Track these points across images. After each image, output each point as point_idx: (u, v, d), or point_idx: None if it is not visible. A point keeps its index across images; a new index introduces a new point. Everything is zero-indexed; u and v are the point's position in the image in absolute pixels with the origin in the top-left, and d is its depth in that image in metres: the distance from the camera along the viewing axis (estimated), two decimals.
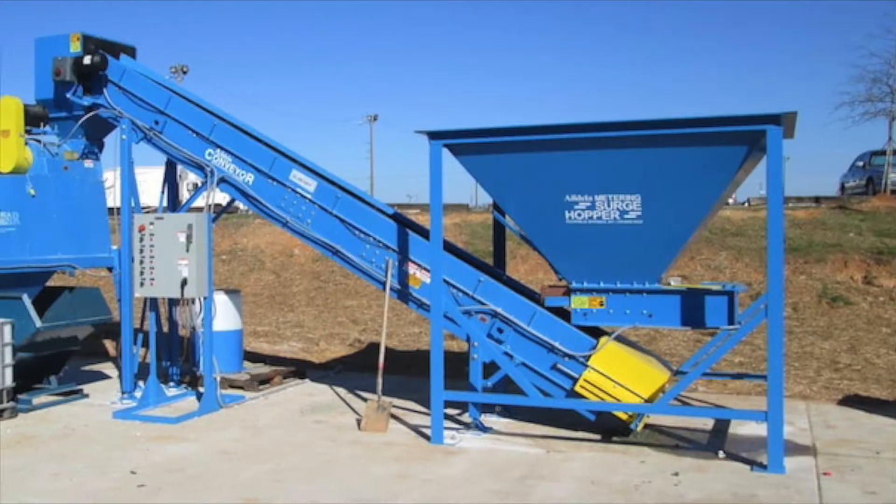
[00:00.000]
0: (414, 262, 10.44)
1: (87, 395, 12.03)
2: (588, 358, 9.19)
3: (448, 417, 9.93)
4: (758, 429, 9.14)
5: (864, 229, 20.89)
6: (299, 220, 11.03)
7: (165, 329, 13.02)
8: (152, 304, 11.81)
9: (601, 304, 9.15)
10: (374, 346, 15.11)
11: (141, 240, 11.08)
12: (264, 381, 12.51)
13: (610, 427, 9.39)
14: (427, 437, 9.40)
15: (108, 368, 14.43)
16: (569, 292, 9.34)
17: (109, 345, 16.26)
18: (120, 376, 12.34)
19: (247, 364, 13.32)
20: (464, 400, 9.82)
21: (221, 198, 12.49)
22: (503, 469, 8.28)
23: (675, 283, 9.27)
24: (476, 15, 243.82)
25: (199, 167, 11.58)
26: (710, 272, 18.93)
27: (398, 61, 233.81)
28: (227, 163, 11.34)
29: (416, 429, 9.89)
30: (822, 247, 19.50)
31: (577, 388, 9.14)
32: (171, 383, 12.73)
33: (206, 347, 11.17)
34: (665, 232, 8.70)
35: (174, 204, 13.10)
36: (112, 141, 12.51)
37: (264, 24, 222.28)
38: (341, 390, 12.32)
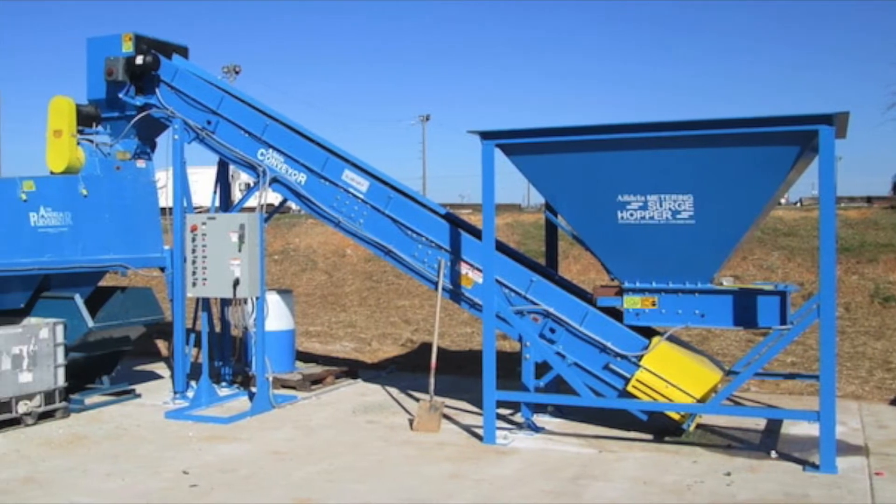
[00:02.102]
0: (466, 262, 10.97)
1: (139, 395, 12.63)
2: (640, 358, 9.71)
3: (500, 417, 10.40)
4: (810, 429, 9.62)
5: None
6: (352, 219, 11.58)
7: (218, 329, 13.58)
8: (205, 304, 12.45)
9: (653, 304, 9.66)
10: (426, 346, 15.63)
11: (193, 240, 11.62)
12: (317, 381, 13.07)
13: (662, 427, 9.88)
14: (479, 437, 9.89)
15: (160, 368, 15.06)
16: (621, 292, 9.85)
17: (162, 345, 16.95)
18: (172, 376, 12.92)
19: (299, 364, 13.86)
20: (516, 400, 10.31)
21: (274, 198, 13.03)
22: (555, 469, 8.71)
23: (727, 283, 9.76)
24: (529, 14, 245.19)
25: (251, 167, 12.17)
26: (762, 272, 19.35)
27: (451, 61, 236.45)
28: (280, 163, 11.92)
29: (468, 429, 10.39)
30: (875, 247, 19.85)
31: (630, 388, 9.68)
32: (224, 383, 13.35)
33: (259, 347, 11.70)
34: (717, 232, 9.19)
35: (226, 204, 13.73)
36: (164, 141, 13.10)
37: (317, 24, 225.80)
38: (393, 390, 12.87)
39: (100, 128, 12.85)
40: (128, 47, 12.40)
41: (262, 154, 12.03)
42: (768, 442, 9.69)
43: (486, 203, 9.85)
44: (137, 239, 12.71)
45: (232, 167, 13.30)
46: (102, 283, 12.80)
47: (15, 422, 10.70)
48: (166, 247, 12.90)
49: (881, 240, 20.33)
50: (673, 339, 9.92)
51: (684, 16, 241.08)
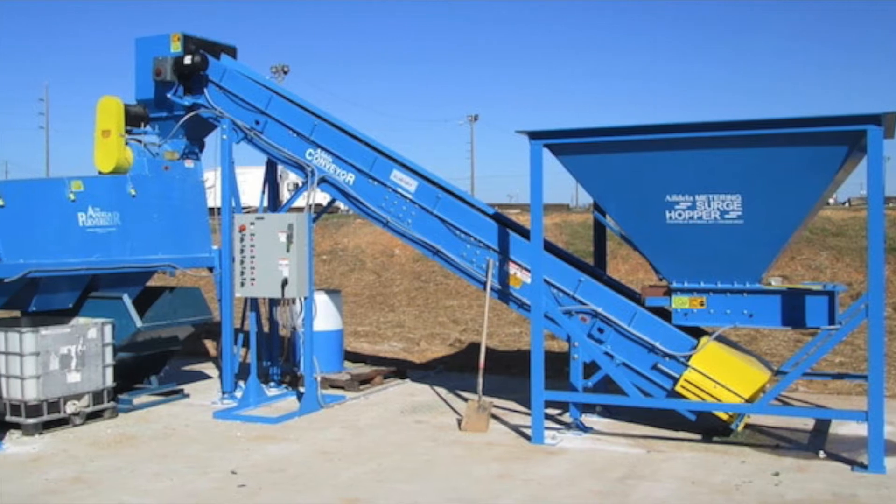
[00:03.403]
0: (514, 262, 11.36)
1: (187, 395, 13.04)
2: (689, 358, 10.08)
3: (549, 417, 10.77)
4: (858, 429, 9.89)
5: None
6: (400, 219, 12.01)
7: (266, 329, 14.02)
8: (253, 304, 12.86)
9: (702, 304, 10.03)
10: (474, 346, 15.93)
11: (242, 240, 12.01)
12: (365, 381, 13.50)
13: (710, 427, 10.21)
14: (528, 437, 10.24)
15: (208, 368, 15.54)
16: (669, 292, 10.24)
17: (210, 345, 17.46)
18: (220, 376, 13.33)
19: (347, 364, 14.33)
20: (564, 400, 10.73)
21: (322, 198, 13.52)
22: (604, 469, 9.02)
23: (775, 283, 10.13)
24: (577, 15, 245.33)
25: (299, 167, 12.59)
26: (810, 272, 19.61)
27: (499, 61, 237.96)
28: (328, 163, 12.36)
29: (516, 429, 10.75)
30: None
31: (678, 388, 10.06)
32: (272, 383, 13.77)
33: (307, 347, 12.07)
34: (765, 232, 9.55)
35: (275, 204, 14.18)
36: (213, 141, 13.55)
37: (366, 24, 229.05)
38: (442, 390, 13.28)
39: (148, 128, 13.18)
40: (176, 47, 12.77)
41: (310, 154, 12.44)
42: (816, 442, 9.98)
43: (535, 203, 10.18)
44: (185, 239, 13.07)
45: (280, 167, 13.70)
46: (151, 283, 13.15)
47: (63, 422, 11.02)
48: (214, 247, 13.24)
49: None
50: (721, 338, 10.28)
51: (732, 15, 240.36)
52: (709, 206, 9.64)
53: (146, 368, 12.98)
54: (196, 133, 13.52)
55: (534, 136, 10.17)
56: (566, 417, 11.00)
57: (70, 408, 11.07)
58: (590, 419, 11.08)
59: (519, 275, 11.32)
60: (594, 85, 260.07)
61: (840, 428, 10.55)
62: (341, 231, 28.64)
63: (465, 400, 12.04)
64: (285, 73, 65.49)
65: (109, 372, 11.61)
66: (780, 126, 9.20)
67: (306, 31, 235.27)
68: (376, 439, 10.46)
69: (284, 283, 11.74)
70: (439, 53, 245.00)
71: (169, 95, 12.90)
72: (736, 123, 9.38)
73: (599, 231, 12.35)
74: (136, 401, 12.30)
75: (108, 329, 11.63)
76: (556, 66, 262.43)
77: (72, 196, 11.67)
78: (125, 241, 12.30)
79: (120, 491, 8.48)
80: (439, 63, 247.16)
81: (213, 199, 13.44)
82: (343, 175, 12.29)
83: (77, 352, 11.18)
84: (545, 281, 10.68)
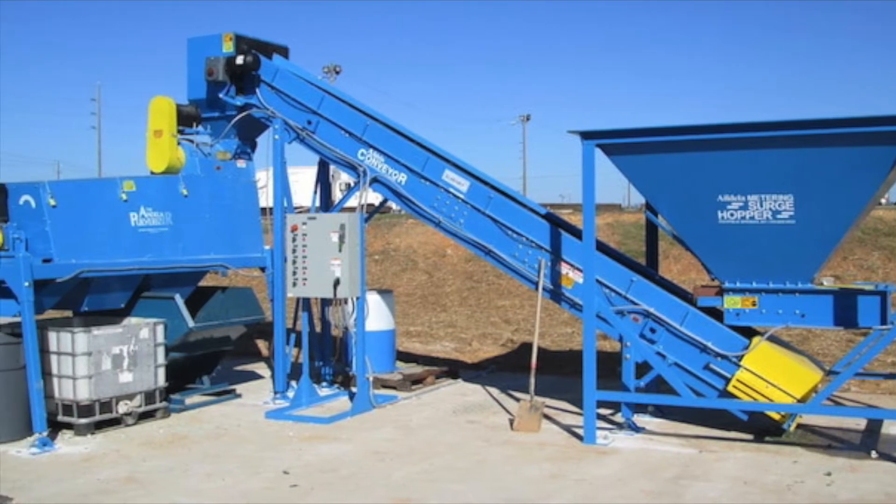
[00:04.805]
0: (566, 262, 11.73)
1: (239, 395, 13.46)
2: (741, 358, 10.42)
3: (601, 417, 11.16)
4: None
5: None
6: (452, 219, 12.41)
7: (318, 329, 14.39)
8: (305, 304, 13.24)
9: (754, 304, 10.39)
10: (526, 346, 16.39)
11: (294, 240, 12.42)
12: (417, 381, 13.93)
13: (762, 427, 10.56)
14: (580, 437, 10.58)
15: (260, 368, 15.98)
16: (721, 292, 10.60)
17: (262, 345, 17.90)
18: (272, 376, 13.74)
19: (399, 364, 14.74)
20: (616, 400, 11.09)
21: (374, 197, 13.88)
22: (656, 469, 9.34)
23: (827, 282, 10.47)
24: (629, 14, 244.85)
25: (351, 167, 13.03)
26: (862, 272, 19.77)
27: (551, 61, 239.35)
28: (380, 163, 12.79)
29: (568, 429, 11.11)
30: None
31: (730, 388, 10.40)
32: (324, 383, 14.21)
33: (359, 347, 12.49)
34: (817, 232, 9.88)
35: (327, 204, 14.59)
36: (265, 141, 13.99)
37: (418, 24, 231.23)
38: (494, 390, 13.65)
39: (200, 128, 13.59)
40: (228, 47, 13.15)
41: (362, 154, 12.86)
42: (869, 442, 10.24)
43: (587, 203, 10.53)
44: (238, 239, 13.44)
45: (332, 167, 14.12)
46: (203, 283, 13.52)
47: (115, 422, 11.38)
48: (267, 247, 13.62)
49: None
50: (773, 339, 10.63)
51: (783, 15, 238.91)
52: (761, 206, 9.95)
53: (198, 368, 13.35)
54: (248, 133, 13.91)
55: (586, 136, 10.49)
56: (618, 417, 11.31)
57: (122, 408, 11.43)
58: (642, 419, 11.40)
59: (571, 275, 11.66)
60: (646, 85, 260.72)
61: (892, 428, 10.83)
62: (393, 231, 29.04)
63: (517, 400, 12.38)
64: (337, 72, 65.98)
65: (161, 372, 11.97)
66: (832, 126, 9.48)
67: (358, 31, 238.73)
68: (428, 439, 10.81)
69: (337, 283, 12.09)
70: (492, 53, 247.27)
71: (221, 95, 13.26)
72: (788, 123, 9.67)
73: (651, 231, 12.67)
74: (189, 401, 12.68)
75: (160, 329, 11.97)
76: (608, 66, 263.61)
77: (124, 196, 12.01)
78: (177, 241, 12.63)
79: (172, 491, 8.79)
80: (492, 63, 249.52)
81: (265, 199, 13.85)
82: (395, 175, 12.68)
83: (129, 352, 11.52)
84: (597, 281, 11.00)
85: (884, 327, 9.86)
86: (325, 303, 13.83)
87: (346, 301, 12.58)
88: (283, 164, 13.37)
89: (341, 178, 30.66)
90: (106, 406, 11.30)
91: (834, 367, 11.41)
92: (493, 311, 21.47)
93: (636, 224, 26.38)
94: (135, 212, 12.17)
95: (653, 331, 11.01)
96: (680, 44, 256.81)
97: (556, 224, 12.02)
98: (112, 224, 11.93)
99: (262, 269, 13.70)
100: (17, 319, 10.71)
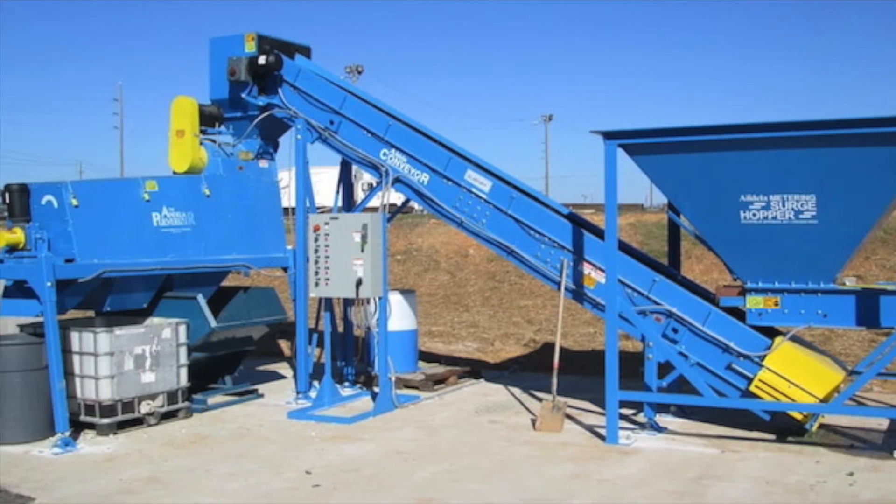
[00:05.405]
0: (589, 262, 11.88)
1: (261, 395, 13.62)
2: (763, 358, 10.56)
3: (623, 417, 11.30)
4: None
5: None
6: (474, 219, 12.56)
7: (340, 329, 14.57)
8: (327, 304, 13.42)
9: (776, 304, 10.52)
10: (548, 346, 16.55)
11: (316, 240, 12.59)
12: (439, 381, 14.10)
13: (785, 427, 10.69)
14: (602, 437, 10.71)
15: (282, 368, 16.17)
16: (744, 292, 10.73)
17: (284, 345, 18.09)
18: (294, 376, 13.90)
19: (422, 364, 14.91)
20: (639, 400, 11.22)
21: (396, 198, 14.03)
22: (678, 469, 9.47)
23: (849, 282, 10.57)
24: (651, 14, 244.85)
25: (373, 167, 13.20)
26: (885, 272, 19.77)
27: (574, 61, 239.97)
28: (402, 163, 12.96)
29: (590, 429, 11.25)
30: None
31: (752, 388, 10.54)
32: (346, 383, 14.39)
33: (381, 347, 12.66)
34: (840, 232, 10.00)
35: (349, 204, 14.77)
36: (287, 141, 14.19)
37: (439, 24, 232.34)
38: (516, 390, 13.80)
39: (222, 128, 13.76)
40: (250, 47, 13.32)
41: (384, 154, 13.04)
42: (891, 442, 10.37)
43: (609, 203, 10.66)
44: (260, 239, 13.60)
45: (354, 167, 14.28)
46: (225, 283, 13.69)
47: (138, 422, 11.53)
48: (289, 247, 13.79)
49: None
50: (796, 339, 10.76)
51: (804, 15, 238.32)
52: (783, 206, 10.08)
53: (220, 368, 13.50)
54: (270, 133, 14.09)
55: (608, 136, 10.63)
56: (640, 417, 11.45)
57: (144, 408, 11.58)
58: (664, 419, 11.53)
59: (593, 275, 11.80)
60: (668, 85, 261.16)
61: None
62: (415, 231, 29.19)
63: (540, 400, 12.53)
64: (359, 73, 66.70)
65: (184, 372, 12.11)
66: (855, 126, 9.59)
67: (381, 31, 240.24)
68: (450, 439, 10.95)
69: (359, 283, 12.25)
70: (514, 53, 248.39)
71: (243, 95, 13.43)
72: (811, 123, 9.78)
73: (674, 231, 12.81)
74: (211, 401, 12.84)
75: (182, 329, 12.11)
76: (631, 67, 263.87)
77: (146, 196, 12.16)
78: (199, 241, 12.79)
79: (194, 491, 8.91)
80: (514, 63, 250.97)
81: (288, 199, 14.05)
82: (417, 175, 12.84)
83: (151, 352, 11.65)
84: (619, 281, 11.13)
85: None
86: (348, 303, 13.95)
87: (368, 301, 12.70)
88: (305, 164, 13.53)
89: (364, 178, 30.84)
90: (128, 406, 11.45)
91: (856, 367, 11.52)
92: (515, 311, 21.59)
93: (658, 224, 26.47)
94: (157, 212, 12.31)
95: (675, 331, 11.13)
96: (702, 44, 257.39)
97: (579, 224, 12.15)
98: (134, 224, 12.07)
99: (285, 270, 13.85)
100: (40, 319, 10.89)
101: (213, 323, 12.50)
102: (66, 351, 11.31)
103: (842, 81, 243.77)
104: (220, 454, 10.37)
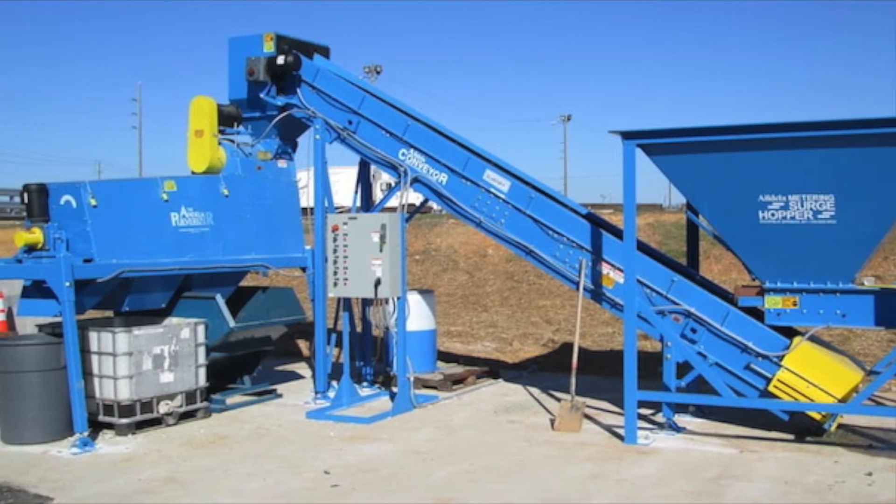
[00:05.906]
0: (607, 262, 12.00)
1: (280, 395, 13.76)
2: (781, 358, 10.67)
3: (641, 417, 11.37)
4: None
5: None
6: (493, 219, 12.68)
7: (359, 329, 14.75)
8: (346, 304, 13.57)
9: (795, 304, 10.62)
10: (567, 346, 16.64)
11: (334, 240, 12.65)
12: (458, 381, 14.21)
13: (804, 427, 10.77)
14: (620, 437, 10.82)
15: (301, 368, 16.32)
16: (762, 292, 10.83)
17: (303, 345, 18.24)
18: (313, 376, 14.01)
19: (440, 364, 15.09)
20: (657, 400, 11.31)
21: (415, 198, 14.03)
22: (697, 469, 9.55)
23: (868, 282, 10.66)
24: (669, 14, 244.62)
25: (392, 167, 13.33)
26: None
27: (592, 61, 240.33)
28: (421, 163, 13.09)
29: (609, 429, 11.35)
30: None
31: (771, 388, 10.65)
32: (365, 383, 14.50)
33: (400, 347, 12.77)
34: (859, 232, 10.10)
35: (367, 204, 14.92)
36: (305, 141, 14.30)
37: (458, 24, 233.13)
38: (535, 390, 13.93)
39: (241, 128, 13.89)
40: (269, 47, 13.47)
41: (403, 154, 13.17)
42: None
43: (628, 203, 10.77)
44: (278, 239, 13.75)
45: (373, 167, 14.39)
46: (244, 283, 13.85)
47: (156, 422, 11.65)
48: (307, 247, 13.90)
49: None
50: (814, 339, 10.85)
51: (823, 14, 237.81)
52: (802, 206, 10.17)
53: (239, 368, 13.62)
54: (289, 133, 14.23)
55: (627, 136, 10.73)
56: (659, 417, 11.54)
57: (163, 408, 11.70)
58: (683, 419, 11.61)
59: (612, 275, 11.90)
60: (687, 85, 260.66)
61: None
62: (434, 231, 29.36)
63: (558, 400, 12.60)
64: (378, 73, 67.05)
65: (202, 372, 12.23)
66: (873, 126, 9.68)
67: (399, 31, 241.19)
68: (469, 439, 11.04)
69: (377, 283, 12.32)
70: (533, 54, 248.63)
71: (262, 95, 13.58)
72: (829, 123, 9.87)
73: (692, 231, 12.89)
74: (229, 401, 12.97)
75: (200, 329, 12.24)
76: (649, 67, 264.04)
77: (165, 196, 12.29)
78: (218, 241, 12.91)
79: (213, 491, 9.00)
80: (532, 63, 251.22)
81: (306, 199, 14.13)
82: (436, 175, 12.96)
83: (170, 352, 11.78)
84: (638, 281, 11.23)
85: None
86: (366, 303, 14.04)
87: (386, 301, 12.78)
88: (323, 164, 13.62)
89: (382, 178, 31.04)
90: (147, 406, 11.56)
91: (875, 367, 11.48)
92: (533, 310, 21.72)
93: (677, 224, 26.60)
94: (176, 212, 12.43)
95: (693, 331, 11.24)
96: (720, 44, 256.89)
97: (597, 224, 12.25)
98: (153, 224, 12.18)
99: (303, 269, 13.99)
100: (58, 319, 11.04)
101: (232, 323, 12.60)
102: (85, 351, 11.43)
103: (858, 81, 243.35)
104: (239, 454, 10.47)
